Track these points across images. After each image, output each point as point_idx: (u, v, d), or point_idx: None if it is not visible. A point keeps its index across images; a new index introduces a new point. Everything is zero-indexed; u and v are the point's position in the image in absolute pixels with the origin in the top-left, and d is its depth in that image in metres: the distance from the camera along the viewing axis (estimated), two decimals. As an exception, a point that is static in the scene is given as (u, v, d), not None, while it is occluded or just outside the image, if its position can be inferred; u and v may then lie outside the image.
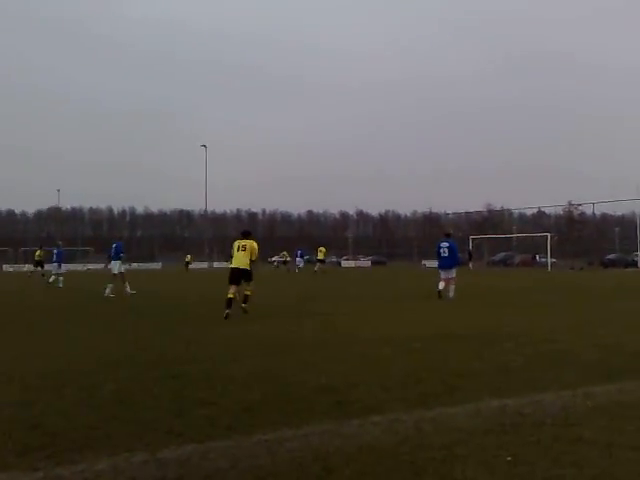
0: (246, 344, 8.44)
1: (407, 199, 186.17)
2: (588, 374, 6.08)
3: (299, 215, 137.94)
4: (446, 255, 17.29)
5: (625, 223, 76.83)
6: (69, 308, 15.58)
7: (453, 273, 17.05)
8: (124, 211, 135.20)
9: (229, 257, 14.19)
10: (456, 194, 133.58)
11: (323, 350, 7.79)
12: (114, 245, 20.82)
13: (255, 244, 13.24)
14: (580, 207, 71.37)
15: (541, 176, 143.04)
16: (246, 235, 13.58)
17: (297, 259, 47.93)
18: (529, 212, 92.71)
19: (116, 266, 20.18)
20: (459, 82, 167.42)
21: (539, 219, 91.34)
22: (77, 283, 26.68)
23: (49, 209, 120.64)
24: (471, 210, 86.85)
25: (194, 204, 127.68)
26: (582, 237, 70.02)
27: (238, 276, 12.98)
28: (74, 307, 15.97)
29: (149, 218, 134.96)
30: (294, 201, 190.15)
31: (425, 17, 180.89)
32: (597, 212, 69.53)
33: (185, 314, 13.34)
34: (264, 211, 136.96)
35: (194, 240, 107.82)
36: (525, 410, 4.66)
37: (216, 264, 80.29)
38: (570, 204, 73.18)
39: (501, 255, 66.01)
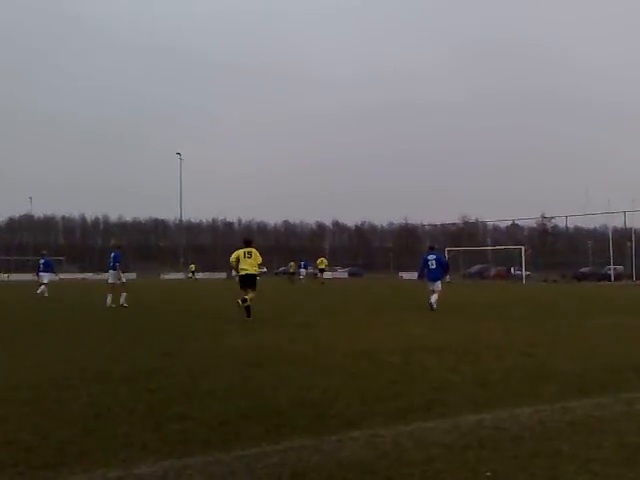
0: (224, 357, 8.37)
1: (383, 210, 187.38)
2: (565, 388, 6.13)
3: (275, 225, 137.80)
4: (434, 267, 17.62)
5: (598, 236, 77.94)
6: (46, 319, 15.32)
7: (439, 286, 17.37)
8: (97, 219, 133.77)
9: (231, 268, 15.52)
10: (432, 206, 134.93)
11: (301, 363, 7.75)
12: (112, 254, 20.46)
13: (257, 252, 14.38)
14: (553, 220, 72.50)
15: (515, 189, 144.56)
16: (248, 243, 14.67)
17: (301, 270, 48.86)
18: (503, 224, 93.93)
19: (112, 276, 19.84)
20: (433, 102, 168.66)
21: (513, 231, 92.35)
22: (54, 293, 26.13)
23: (21, 217, 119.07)
24: (447, 222, 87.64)
25: (169, 213, 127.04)
26: (555, 250, 70.94)
27: (249, 282, 14.14)
28: (51, 318, 15.70)
29: (123, 227, 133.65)
30: (270, 211, 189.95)
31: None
32: (570, 225, 70.64)
33: (168, 325, 13.20)
34: (240, 221, 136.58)
35: (169, 249, 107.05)
36: (503, 424, 4.68)
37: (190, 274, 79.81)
38: (543, 217, 74.29)
39: (477, 267, 66.55)
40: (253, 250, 14.28)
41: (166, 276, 76.28)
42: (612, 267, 55.00)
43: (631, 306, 20.33)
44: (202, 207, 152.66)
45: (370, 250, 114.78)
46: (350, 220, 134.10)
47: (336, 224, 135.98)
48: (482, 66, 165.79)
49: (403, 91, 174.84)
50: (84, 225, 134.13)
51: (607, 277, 53.60)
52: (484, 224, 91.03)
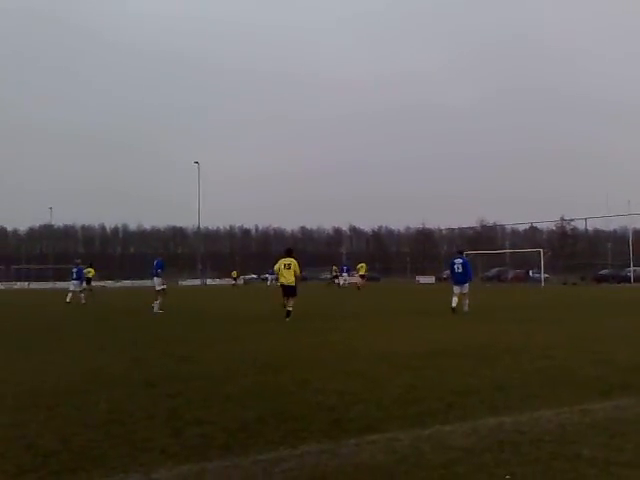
0: (242, 362, 8.37)
1: (400, 215, 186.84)
2: (585, 391, 6.06)
3: (292, 231, 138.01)
4: (460, 271, 18.12)
5: (617, 238, 77.18)
6: (70, 325, 15.45)
7: (466, 288, 17.86)
8: (117, 228, 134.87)
9: (272, 273, 17.82)
10: (449, 210, 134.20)
11: (319, 368, 7.75)
12: (155, 262, 21.61)
13: (296, 262, 15.78)
14: (572, 222, 71.87)
15: (534, 192, 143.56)
16: (289, 253, 16.18)
17: (343, 274, 49.17)
18: (521, 227, 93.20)
19: (158, 282, 20.81)
20: (453, 103, 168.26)
21: (532, 234, 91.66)
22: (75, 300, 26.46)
23: (41, 226, 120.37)
24: (464, 226, 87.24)
25: (187, 221, 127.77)
26: (575, 252, 70.27)
27: (288, 291, 15.65)
28: (75, 323, 15.84)
29: (142, 235, 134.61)
30: (287, 217, 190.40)
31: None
32: (589, 227, 69.98)
33: (192, 330, 13.26)
34: (257, 227, 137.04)
35: (187, 256, 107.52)
36: (523, 428, 4.64)
37: (209, 281, 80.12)
38: (562, 219, 73.65)
39: (494, 270, 66.14)
40: (293, 262, 15.69)
41: (184, 282, 76.61)
42: (632, 269, 54.35)
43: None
44: (219, 214, 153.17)
45: (387, 255, 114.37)
46: (367, 225, 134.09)
47: (353, 229, 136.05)
48: (496, 66, 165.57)
49: (417, 94, 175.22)
50: (103, 234, 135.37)
51: (627, 279, 52.95)
52: (502, 227, 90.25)
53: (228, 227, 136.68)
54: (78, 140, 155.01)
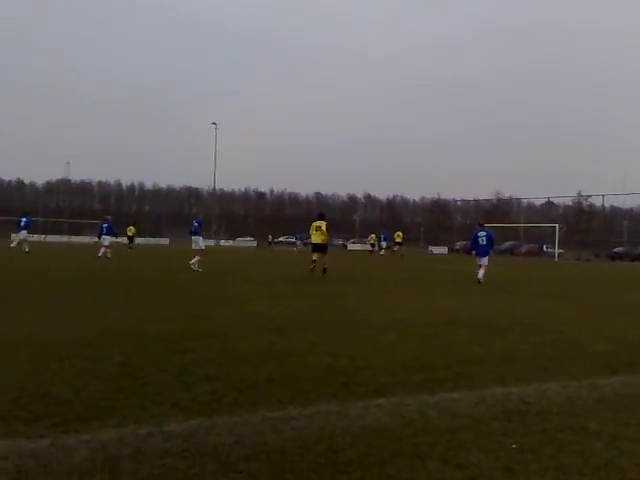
0: (254, 323, 8.44)
1: (415, 186, 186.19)
2: (594, 365, 6.07)
3: (307, 196, 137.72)
4: (484, 243, 18.52)
5: (634, 216, 76.53)
6: (87, 280, 15.59)
7: (486, 261, 18.28)
8: (133, 186, 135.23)
9: (308, 235, 20.49)
10: (465, 181, 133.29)
11: (329, 332, 7.79)
12: (195, 220, 21.50)
13: (325, 224, 18.76)
14: (589, 198, 71.17)
15: (552, 168, 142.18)
16: (321, 217, 19.20)
17: (381, 242, 49.89)
18: (538, 202, 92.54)
19: (197, 241, 20.76)
20: (474, 75, 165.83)
21: (547, 209, 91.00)
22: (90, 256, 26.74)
23: (58, 181, 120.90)
24: (480, 198, 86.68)
25: (203, 181, 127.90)
26: (590, 229, 69.77)
27: (317, 248, 18.86)
28: (93, 279, 15.98)
29: (157, 194, 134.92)
30: (302, 183, 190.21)
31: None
32: (606, 204, 69.29)
33: (201, 290, 13.37)
34: (272, 191, 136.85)
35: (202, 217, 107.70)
36: (530, 399, 4.67)
37: (223, 242, 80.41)
38: (580, 195, 72.95)
39: (508, 244, 65.86)
40: (323, 224, 18.73)
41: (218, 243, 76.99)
42: (647, 248, 53.98)
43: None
44: (235, 177, 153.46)
45: (401, 224, 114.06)
46: (382, 194, 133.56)
47: (368, 197, 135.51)
48: (516, 44, 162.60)
49: (434, 69, 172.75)
50: (119, 191, 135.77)
51: (642, 257, 52.67)
52: (518, 201, 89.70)
53: (243, 190, 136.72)
54: (98, 102, 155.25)
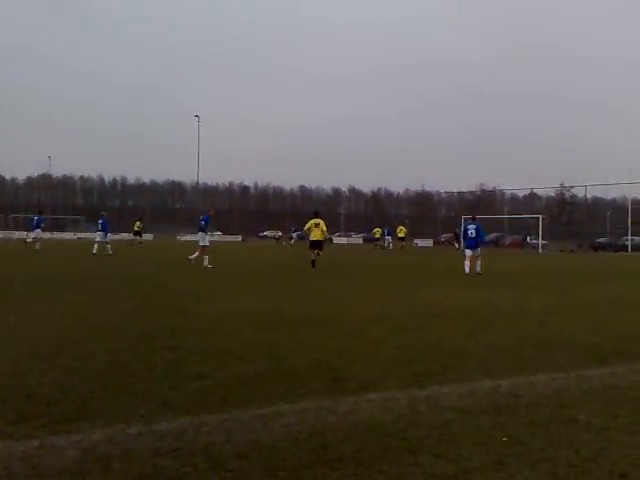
0: (241, 318, 8.41)
1: (400, 177, 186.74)
2: (581, 357, 6.12)
3: (291, 190, 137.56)
4: (474, 236, 19.24)
5: (616, 207, 77.17)
6: (71, 278, 15.45)
7: (479, 251, 19.05)
8: (115, 180, 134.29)
9: (303, 231, 21.63)
10: (449, 173, 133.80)
11: (317, 327, 7.78)
12: (202, 217, 21.75)
13: (323, 222, 19.49)
14: (572, 189, 71.69)
15: (534, 158, 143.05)
16: (317, 215, 19.95)
17: (386, 237, 50.15)
18: (521, 193, 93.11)
19: (203, 237, 20.84)
20: (455, 65, 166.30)
21: (531, 200, 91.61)
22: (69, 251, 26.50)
23: (39, 176, 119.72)
24: (464, 190, 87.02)
25: (186, 175, 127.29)
26: (573, 220, 70.32)
27: (316, 245, 19.41)
28: (76, 277, 15.84)
29: (140, 188, 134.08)
30: (287, 176, 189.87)
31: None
32: (589, 195, 69.85)
33: (191, 286, 13.31)
34: (256, 185, 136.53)
35: (185, 212, 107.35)
36: (519, 391, 4.69)
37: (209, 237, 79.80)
38: (562, 186, 73.45)
39: (492, 236, 66.16)
40: (320, 222, 19.43)
41: (182, 238, 76.60)
42: (630, 238, 54.51)
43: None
44: (218, 171, 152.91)
45: (386, 217, 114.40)
46: (366, 187, 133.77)
47: (352, 190, 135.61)
48: (502, 24, 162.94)
49: (420, 53, 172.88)
50: (102, 186, 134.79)
51: (624, 248, 53.19)
52: (502, 192, 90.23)
53: (227, 183, 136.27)
54: (84, 91, 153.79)
